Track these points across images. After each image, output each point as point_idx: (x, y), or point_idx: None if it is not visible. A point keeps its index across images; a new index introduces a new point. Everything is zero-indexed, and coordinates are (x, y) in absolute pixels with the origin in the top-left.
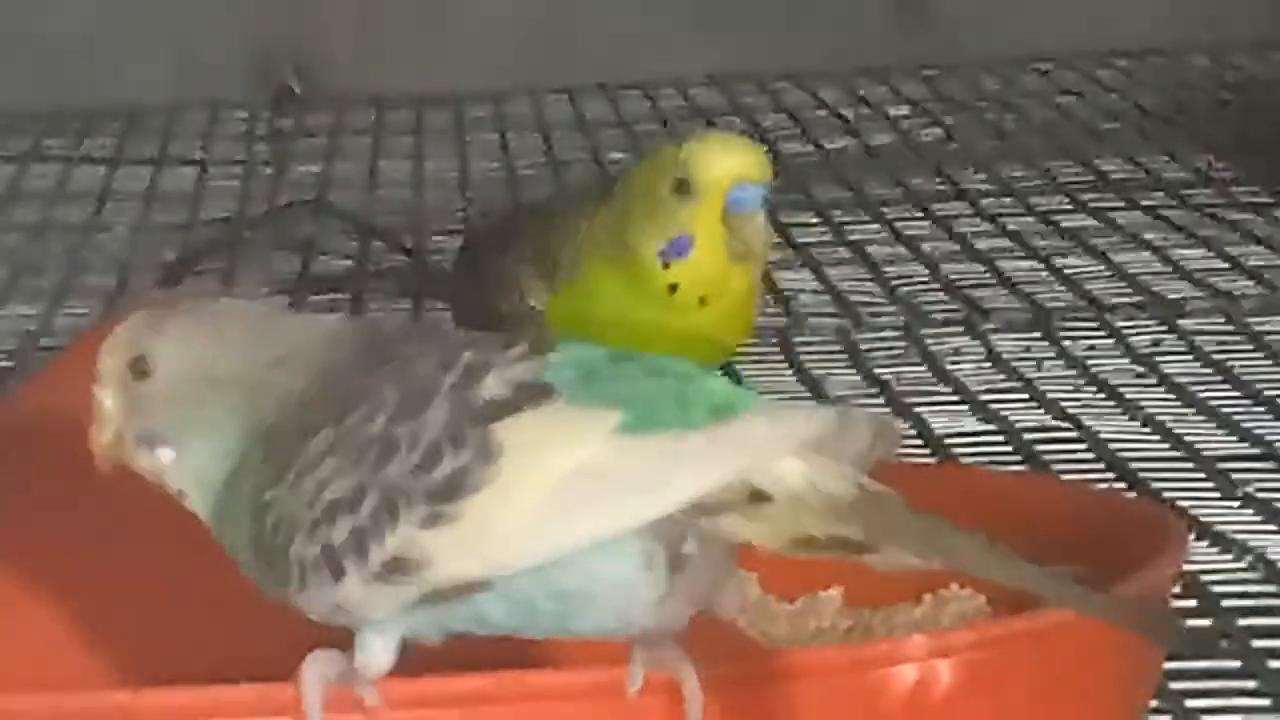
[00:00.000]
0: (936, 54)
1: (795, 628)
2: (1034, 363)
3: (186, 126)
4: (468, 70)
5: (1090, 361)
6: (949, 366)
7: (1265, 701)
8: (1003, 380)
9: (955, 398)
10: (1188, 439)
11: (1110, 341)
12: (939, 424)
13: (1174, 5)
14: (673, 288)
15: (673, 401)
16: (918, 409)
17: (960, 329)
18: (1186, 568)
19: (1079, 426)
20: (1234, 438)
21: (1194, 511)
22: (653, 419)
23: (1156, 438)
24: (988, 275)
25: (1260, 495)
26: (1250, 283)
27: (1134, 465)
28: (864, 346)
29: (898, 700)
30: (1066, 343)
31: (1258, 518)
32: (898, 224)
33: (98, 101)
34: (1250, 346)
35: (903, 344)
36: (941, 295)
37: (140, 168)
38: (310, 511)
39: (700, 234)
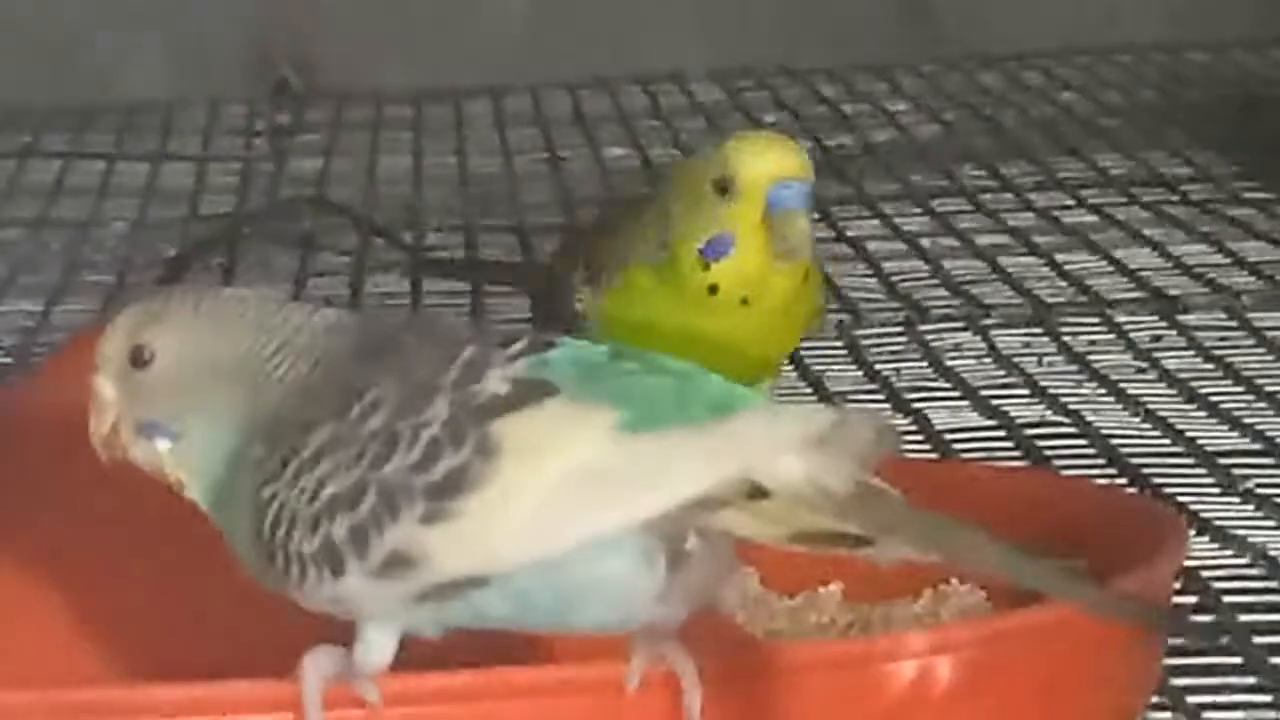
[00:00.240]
0: (937, 50)
1: (795, 623)
2: (1034, 358)
3: (185, 122)
4: (466, 65)
5: (1091, 357)
6: (949, 362)
7: (1267, 698)
8: (1003, 376)
9: (956, 393)
10: (1189, 434)
11: (1111, 337)
12: (939, 419)
13: (1174, 2)
14: (713, 288)
15: (673, 399)
16: (918, 405)
17: (961, 324)
18: (1187, 563)
19: (1080, 422)
20: (1235, 433)
21: (1195, 507)
22: (653, 416)
23: (1157, 433)
24: (988, 271)
25: (1261, 491)
26: (1251, 278)
27: (1135, 461)
28: (864, 342)
29: (898, 695)
30: (1067, 338)
31: (1259, 513)
32: (898, 220)
33: (96, 97)
34: (1251, 342)
35: (903, 340)
36: (942, 291)
37: (139, 163)
38: (311, 507)
39: (741, 233)
